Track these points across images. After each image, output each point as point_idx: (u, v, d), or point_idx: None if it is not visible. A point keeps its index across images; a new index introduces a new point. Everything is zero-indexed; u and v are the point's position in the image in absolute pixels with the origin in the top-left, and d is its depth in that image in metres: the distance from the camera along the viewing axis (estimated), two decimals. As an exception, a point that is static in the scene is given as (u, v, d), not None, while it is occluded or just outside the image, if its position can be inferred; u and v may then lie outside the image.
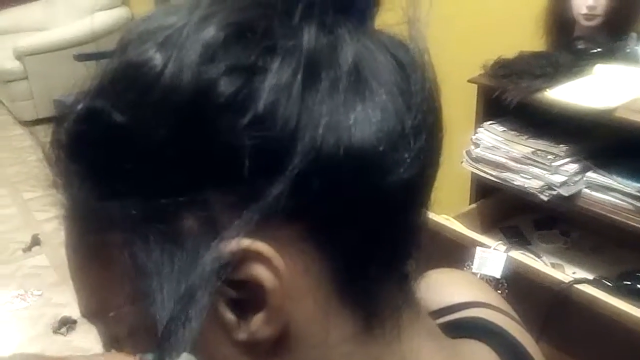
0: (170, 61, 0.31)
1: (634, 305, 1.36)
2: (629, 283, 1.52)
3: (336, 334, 0.35)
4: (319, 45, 0.33)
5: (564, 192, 1.58)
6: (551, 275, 1.46)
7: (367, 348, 0.37)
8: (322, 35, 0.33)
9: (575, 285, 1.41)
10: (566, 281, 1.43)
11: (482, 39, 2.02)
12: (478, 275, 1.55)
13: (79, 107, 0.33)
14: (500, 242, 1.62)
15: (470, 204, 1.94)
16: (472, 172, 1.83)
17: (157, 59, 0.31)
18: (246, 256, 0.32)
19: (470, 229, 1.72)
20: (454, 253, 1.63)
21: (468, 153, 1.81)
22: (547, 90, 1.57)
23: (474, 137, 1.79)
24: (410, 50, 0.37)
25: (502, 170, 1.72)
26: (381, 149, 0.33)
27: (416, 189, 0.36)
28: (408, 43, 0.37)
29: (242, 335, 0.33)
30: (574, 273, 1.67)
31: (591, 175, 1.56)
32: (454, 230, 1.67)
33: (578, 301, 1.41)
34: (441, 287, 0.58)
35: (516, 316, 0.59)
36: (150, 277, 0.33)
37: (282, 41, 0.32)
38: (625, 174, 1.51)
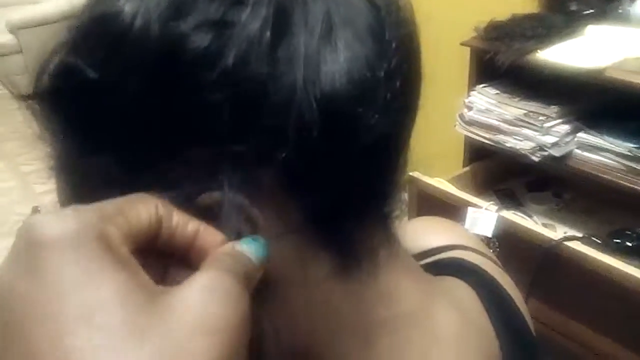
0: (139, 14, 0.31)
1: (623, 261, 1.39)
2: (618, 241, 1.55)
3: (314, 274, 0.37)
4: None
5: (555, 152, 1.60)
6: (541, 234, 1.49)
7: (345, 285, 0.38)
8: None
9: (565, 243, 1.44)
10: (556, 239, 1.45)
11: (474, 1, 2.02)
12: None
13: (54, 62, 0.33)
14: (492, 202, 1.64)
15: (464, 167, 1.95)
16: (465, 135, 1.84)
17: (126, 12, 0.31)
18: (221, 206, 0.32)
19: (464, 192, 1.74)
20: (447, 214, 1.64)
21: (461, 116, 1.82)
22: (539, 51, 1.58)
23: (467, 100, 1.80)
24: None
25: (495, 133, 1.73)
26: (352, 96, 0.32)
27: (391, 133, 0.36)
28: None
29: None
30: (565, 233, 1.69)
31: (582, 135, 1.58)
32: (447, 192, 1.69)
33: (567, 258, 1.44)
34: (422, 233, 0.59)
35: (495, 259, 0.61)
36: None
37: None
38: (616, 134, 1.53)
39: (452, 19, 2.03)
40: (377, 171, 0.37)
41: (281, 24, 0.31)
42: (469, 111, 1.80)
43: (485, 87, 1.78)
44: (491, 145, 1.75)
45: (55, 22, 3.87)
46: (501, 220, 1.56)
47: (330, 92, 0.32)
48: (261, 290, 0.35)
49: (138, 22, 0.30)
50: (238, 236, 0.33)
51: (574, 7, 1.72)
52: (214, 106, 0.31)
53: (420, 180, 1.76)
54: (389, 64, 0.34)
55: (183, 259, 0.32)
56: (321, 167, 0.33)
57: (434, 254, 0.55)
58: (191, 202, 0.32)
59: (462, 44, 1.76)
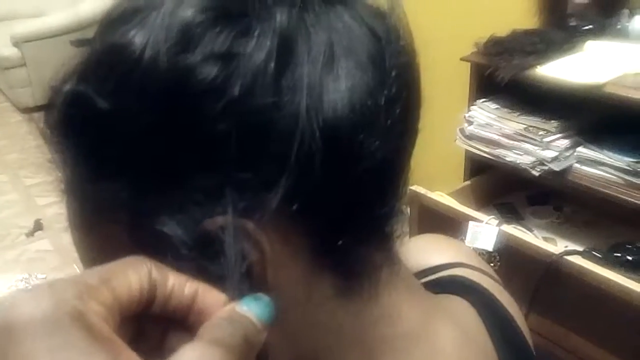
0: (148, 46, 0.32)
1: (623, 275, 1.39)
2: (618, 255, 1.55)
3: (318, 294, 0.38)
4: (292, 25, 0.33)
5: (555, 167, 1.61)
6: (542, 248, 1.50)
7: (348, 305, 0.39)
8: (295, 14, 0.33)
9: (566, 257, 1.44)
10: (557, 253, 1.46)
11: (475, 17, 2.03)
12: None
13: (65, 90, 0.34)
14: (492, 217, 1.65)
15: (464, 181, 1.96)
16: (466, 150, 1.85)
17: (136, 43, 0.32)
18: (229, 232, 0.33)
19: (465, 206, 1.75)
20: (448, 228, 1.66)
21: (462, 131, 1.83)
22: (539, 67, 1.59)
23: (467, 115, 1.81)
24: (387, 20, 0.37)
25: (495, 147, 1.74)
26: (354, 123, 0.33)
27: (392, 158, 0.37)
28: (386, 13, 0.37)
29: None
30: (566, 246, 1.70)
31: (582, 150, 1.59)
32: (448, 206, 1.70)
33: (568, 272, 1.44)
34: (424, 250, 0.60)
35: (496, 276, 0.61)
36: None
37: (255, 23, 0.32)
38: (615, 148, 1.54)
39: (452, 35, 2.05)
40: (379, 194, 0.38)
41: (285, 54, 0.32)
42: (469, 126, 1.81)
43: (485, 101, 1.79)
44: (491, 159, 1.76)
45: (59, 35, 3.90)
46: (502, 235, 1.56)
47: (333, 119, 0.33)
48: None
49: (147, 53, 0.31)
50: (241, 291, 0.32)
51: (573, 23, 1.73)
52: (221, 135, 0.31)
53: (422, 195, 1.77)
54: (389, 91, 0.35)
55: (183, 322, 0.31)
56: (325, 192, 0.34)
57: (435, 272, 0.56)
58: (196, 227, 0.33)
59: (462, 59, 1.77)
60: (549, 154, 1.62)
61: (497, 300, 0.53)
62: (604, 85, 1.48)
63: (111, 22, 0.34)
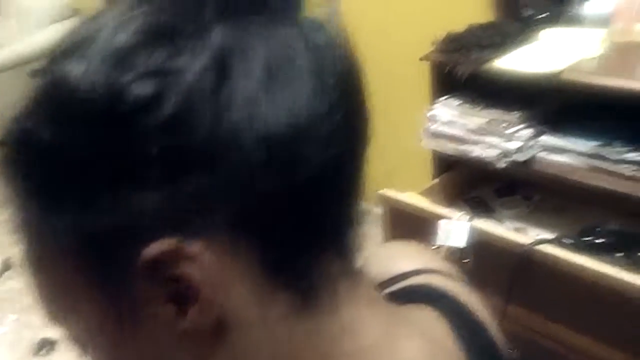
0: (86, 74, 0.32)
1: (594, 259, 1.40)
2: (589, 239, 1.57)
3: (273, 313, 0.37)
4: (228, 42, 0.33)
5: (520, 157, 1.62)
6: (513, 240, 1.50)
7: (306, 321, 0.38)
8: (231, 32, 0.34)
9: (536, 247, 1.45)
10: (527, 243, 1.47)
11: (431, 15, 2.05)
12: (444, 247, 1.59)
13: (11, 127, 0.35)
14: (463, 212, 1.65)
15: (433, 179, 1.97)
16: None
17: (74, 73, 0.33)
18: (173, 255, 0.33)
19: (435, 204, 1.75)
20: (420, 228, 1.66)
21: (426, 130, 1.83)
22: (495, 60, 1.60)
23: (430, 114, 1.82)
24: (325, 31, 0.37)
25: (460, 143, 1.75)
26: (292, 134, 0.34)
27: (337, 166, 0.37)
28: (325, 24, 0.38)
29: (182, 326, 0.35)
30: (537, 235, 1.71)
31: (545, 138, 1.60)
32: (417, 207, 1.70)
33: (540, 261, 1.45)
34: (390, 258, 0.60)
35: (464, 279, 0.61)
36: (92, 284, 0.36)
37: (190, 42, 0.33)
38: (578, 134, 1.55)
39: (409, 35, 2.06)
40: (327, 204, 0.37)
41: (220, 69, 0.33)
42: (433, 124, 1.81)
43: (447, 98, 1.80)
44: (457, 156, 1.77)
45: (16, 66, 3.83)
46: (473, 230, 1.57)
47: (271, 132, 0.33)
48: (221, 334, 0.35)
49: (84, 82, 0.32)
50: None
51: (527, 13, 1.75)
52: (160, 152, 0.32)
53: (392, 198, 1.77)
54: (329, 100, 0.35)
55: None
56: (269, 205, 0.34)
57: (402, 280, 0.55)
58: (139, 257, 0.33)
59: (421, 59, 1.78)
60: (513, 145, 1.63)
61: (465, 306, 0.52)
62: (561, 72, 1.49)
63: (53, 57, 0.35)
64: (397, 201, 1.76)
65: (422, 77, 1.83)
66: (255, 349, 0.37)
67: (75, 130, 0.32)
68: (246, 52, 0.34)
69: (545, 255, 1.44)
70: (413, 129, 1.88)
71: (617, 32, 1.61)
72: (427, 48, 1.79)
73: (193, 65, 0.32)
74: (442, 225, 1.61)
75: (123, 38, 0.33)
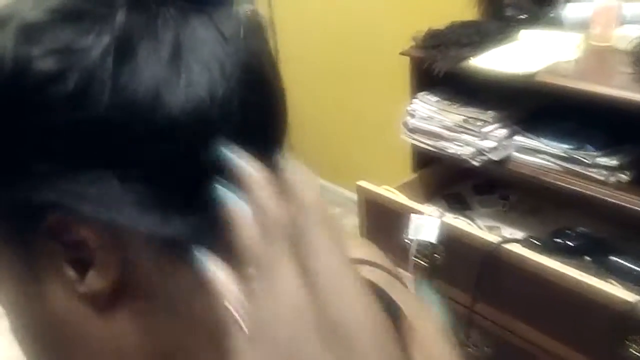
0: None
1: (563, 261, 1.42)
2: (559, 241, 1.58)
3: (173, 281, 0.38)
4: (135, 25, 0.35)
5: (494, 156, 1.63)
6: (482, 237, 1.52)
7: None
8: (140, 14, 0.36)
9: (504, 245, 1.47)
10: (496, 242, 1.48)
11: (414, 11, 2.05)
12: (415, 241, 1.61)
13: None
14: (439, 208, 1.67)
15: (412, 174, 1.98)
16: (411, 143, 1.86)
17: None
18: (70, 221, 0.36)
19: (413, 199, 1.76)
20: (393, 221, 1.68)
21: (405, 124, 1.84)
22: (473, 58, 1.61)
23: (409, 108, 1.82)
24: (237, 23, 0.38)
25: (437, 140, 1.76)
26: (191, 119, 0.35)
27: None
28: (240, 17, 0.39)
29: (82, 289, 0.37)
30: (510, 234, 1.72)
31: (519, 139, 1.61)
32: (392, 200, 1.72)
33: (508, 260, 1.47)
34: None
35: (395, 271, 0.63)
36: (4, 245, 0.38)
37: (97, 23, 0.35)
38: (551, 136, 1.56)
39: (392, 29, 2.06)
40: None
41: (125, 51, 0.35)
42: (411, 119, 1.82)
43: (426, 94, 1.80)
44: (434, 152, 1.78)
45: None
46: (444, 226, 1.58)
47: (170, 114, 0.35)
48: (118, 300, 0.38)
49: None
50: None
51: (509, 13, 1.75)
52: (63, 125, 0.34)
53: (368, 190, 1.78)
54: (227, 87, 0.37)
55: None
56: (159, 177, 0.36)
57: None
58: (41, 221, 0.36)
59: (401, 54, 1.78)
60: (488, 144, 1.64)
61: (391, 300, 0.54)
62: (536, 74, 1.50)
63: None
64: (373, 193, 1.78)
65: (403, 71, 1.84)
66: (154, 318, 0.39)
67: None
68: (155, 35, 0.35)
69: (512, 255, 1.46)
70: (393, 123, 1.89)
71: (594, 36, 1.62)
72: (408, 43, 1.79)
73: (96, 44, 0.34)
74: (414, 220, 1.62)
75: (34, 14, 0.35)
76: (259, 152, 0.39)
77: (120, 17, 0.35)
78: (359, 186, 1.81)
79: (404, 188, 1.88)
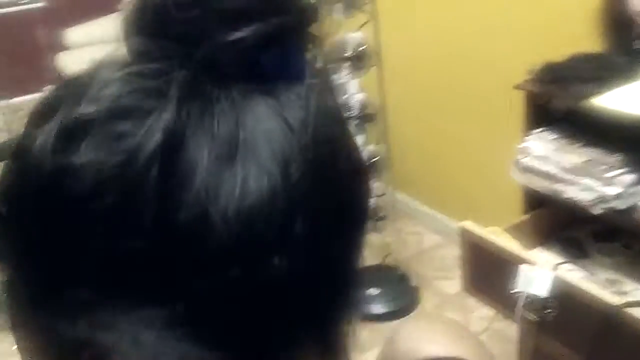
0: (36, 146, 0.31)
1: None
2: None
3: None
4: (187, 116, 0.30)
5: (619, 205, 1.47)
6: (601, 297, 1.36)
7: None
8: (194, 101, 0.30)
9: (627, 309, 1.31)
10: (617, 304, 1.32)
11: (531, 41, 1.91)
12: (523, 295, 1.47)
13: None
14: (552, 256, 1.53)
15: (523, 215, 1.84)
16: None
17: (33, 143, 0.31)
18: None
19: (523, 241, 1.63)
20: (500, 270, 1.55)
21: (517, 163, 1.71)
22: (597, 96, 1.46)
23: (522, 146, 1.70)
24: (307, 107, 0.32)
25: (553, 182, 1.61)
26: (247, 231, 0.30)
27: (300, 273, 0.32)
28: (309, 98, 0.32)
29: None
30: (634, 289, 1.55)
31: (648, 186, 1.44)
32: (499, 246, 1.59)
33: (630, 327, 1.30)
34: (415, 339, 0.56)
35: None
36: None
37: (143, 121, 0.30)
38: (687, 184, 1.39)
39: (506, 60, 1.93)
40: (296, 316, 0.33)
41: (172, 156, 0.29)
42: (524, 157, 1.69)
43: (542, 131, 1.67)
44: (549, 195, 1.64)
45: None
46: (558, 279, 1.44)
47: (222, 229, 0.29)
48: None
49: (34, 153, 0.31)
50: None
51: (638, 46, 1.59)
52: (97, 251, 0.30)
53: (472, 232, 1.66)
54: (293, 193, 0.30)
55: None
56: (225, 314, 0.31)
57: None
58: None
59: (515, 88, 1.66)
60: (612, 190, 1.48)
61: None
62: (671, 116, 1.33)
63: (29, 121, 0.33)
64: (478, 236, 1.66)
65: (516, 106, 1.71)
66: None
67: (20, 204, 0.31)
68: (207, 129, 0.30)
69: (635, 320, 1.29)
70: (503, 161, 1.76)
71: None
72: (523, 76, 1.67)
73: (141, 150, 0.29)
74: (524, 271, 1.49)
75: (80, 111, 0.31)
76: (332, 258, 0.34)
77: (170, 112, 0.29)
78: (463, 228, 1.70)
79: (513, 230, 1.74)
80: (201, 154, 0.30)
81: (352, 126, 2.05)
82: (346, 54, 2.07)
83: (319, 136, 0.32)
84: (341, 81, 2.20)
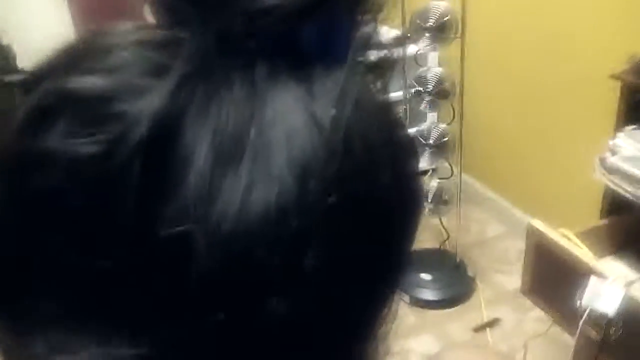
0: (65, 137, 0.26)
1: None
2: None
3: None
4: (183, 102, 0.24)
5: None
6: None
7: None
8: (198, 88, 0.24)
9: None
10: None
11: (631, 27, 1.71)
12: (587, 310, 1.33)
13: None
14: (625, 267, 1.39)
15: (601, 219, 1.68)
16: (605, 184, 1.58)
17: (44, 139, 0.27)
18: None
19: (594, 250, 1.49)
20: (566, 278, 1.42)
21: (602, 161, 1.56)
22: None
23: (611, 143, 1.54)
24: (344, 103, 0.25)
25: (639, 186, 1.45)
26: (233, 264, 0.24)
27: (315, 314, 0.26)
28: (349, 90, 0.25)
29: None
30: None
31: None
32: (568, 251, 1.46)
33: None
34: None
35: None
36: None
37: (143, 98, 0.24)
38: None
39: (602, 46, 1.74)
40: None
41: (159, 151, 0.24)
42: (612, 156, 1.53)
43: (636, 129, 1.52)
44: (633, 199, 1.48)
45: None
46: (628, 298, 1.29)
47: (206, 256, 0.23)
48: None
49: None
50: None
51: None
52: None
53: (540, 232, 1.52)
54: (309, 216, 0.24)
55: None
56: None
57: None
58: None
59: (611, 77, 1.50)
60: None
61: None
62: None
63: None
64: (547, 238, 1.52)
65: (609, 98, 1.55)
66: None
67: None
68: (207, 125, 0.24)
69: None
70: (586, 156, 1.61)
71: None
72: (621, 65, 1.50)
73: (123, 140, 0.24)
74: (592, 284, 1.35)
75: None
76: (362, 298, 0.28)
77: (163, 94, 0.24)
78: (531, 226, 1.56)
79: (587, 236, 1.59)
80: (197, 152, 0.24)
81: (422, 107, 1.91)
82: (428, 24, 1.93)
83: (354, 142, 0.25)
84: (420, 52, 2.07)
